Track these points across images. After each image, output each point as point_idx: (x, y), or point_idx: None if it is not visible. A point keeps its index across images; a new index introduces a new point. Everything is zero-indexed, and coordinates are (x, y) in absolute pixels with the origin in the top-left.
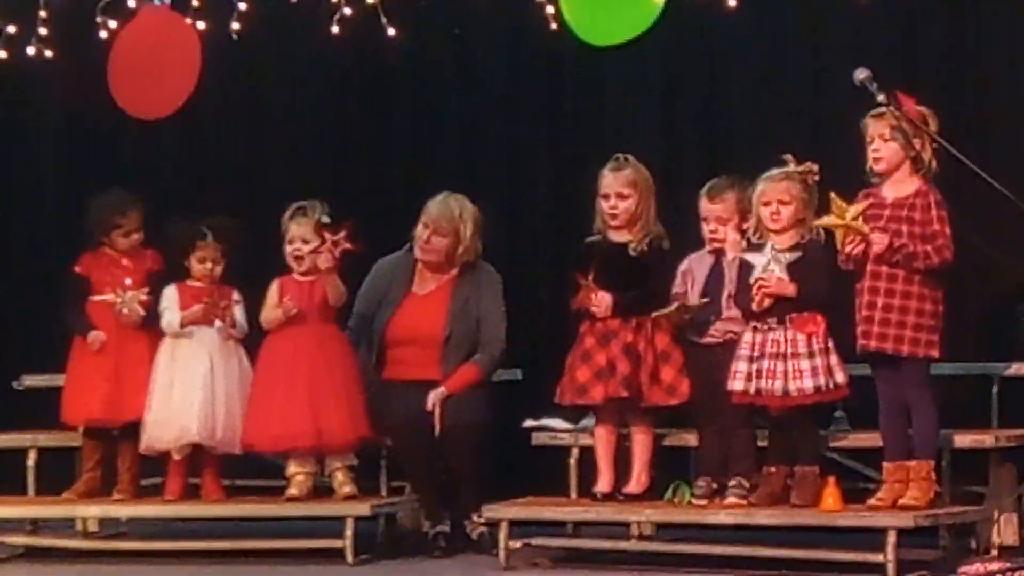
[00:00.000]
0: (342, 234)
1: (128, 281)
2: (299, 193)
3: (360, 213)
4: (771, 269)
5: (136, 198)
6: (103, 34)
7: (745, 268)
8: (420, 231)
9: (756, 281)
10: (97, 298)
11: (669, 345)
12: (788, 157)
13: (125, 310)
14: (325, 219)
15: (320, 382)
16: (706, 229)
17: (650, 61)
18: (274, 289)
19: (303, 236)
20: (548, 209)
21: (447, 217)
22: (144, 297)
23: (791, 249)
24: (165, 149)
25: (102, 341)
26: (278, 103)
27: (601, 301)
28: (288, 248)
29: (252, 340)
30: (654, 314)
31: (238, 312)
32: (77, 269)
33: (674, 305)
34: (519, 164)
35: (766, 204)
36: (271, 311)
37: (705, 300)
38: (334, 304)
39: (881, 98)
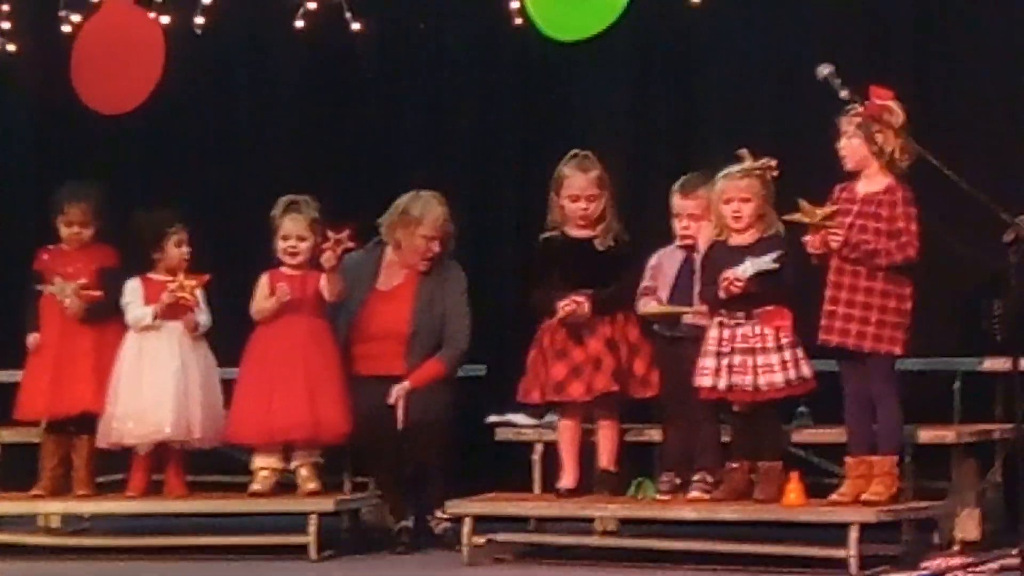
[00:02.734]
0: (346, 233)
1: (70, 270)
2: (266, 187)
3: (327, 206)
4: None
5: (90, 194)
6: (66, 28)
7: (713, 262)
8: (420, 243)
9: (724, 278)
10: (41, 287)
11: (639, 338)
12: (743, 153)
13: (67, 301)
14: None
15: (316, 375)
16: (678, 225)
17: (619, 55)
18: (264, 281)
19: (299, 233)
20: (514, 205)
21: (446, 223)
22: (82, 290)
23: (752, 244)
24: (131, 144)
25: (36, 342)
26: (243, 97)
27: (579, 310)
28: (281, 244)
29: (224, 332)
30: (645, 310)
31: (200, 305)
32: (35, 266)
33: (669, 308)
34: (486, 159)
35: (727, 202)
36: (263, 302)
37: (699, 309)
38: (334, 300)
39: (844, 94)
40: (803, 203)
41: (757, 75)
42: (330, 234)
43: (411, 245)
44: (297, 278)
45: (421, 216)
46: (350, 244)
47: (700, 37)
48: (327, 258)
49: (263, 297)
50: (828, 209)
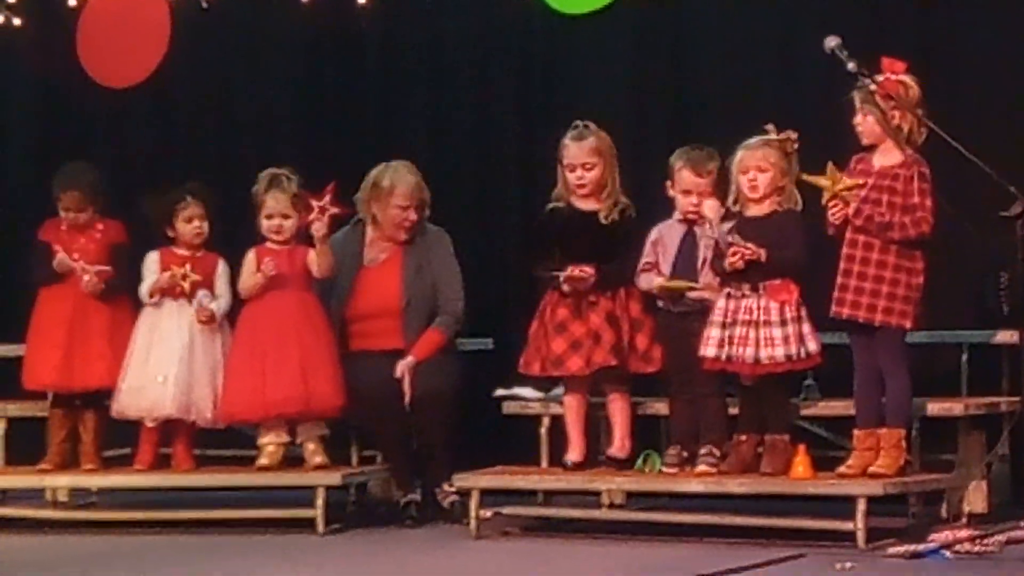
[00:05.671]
0: (327, 199)
1: (77, 253)
2: (270, 162)
3: (328, 182)
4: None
5: (83, 180)
6: (72, 1)
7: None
8: (396, 213)
9: (731, 247)
10: (57, 263)
11: (641, 313)
12: (769, 126)
13: (86, 277)
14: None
15: (308, 348)
16: (687, 201)
17: (619, 28)
18: (251, 257)
19: (283, 211)
20: (517, 177)
21: (419, 191)
22: (98, 274)
23: (767, 216)
24: (136, 118)
25: (65, 264)
26: (248, 71)
27: (584, 276)
28: (266, 223)
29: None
30: (660, 283)
31: (220, 284)
32: (41, 236)
33: (675, 282)
34: (489, 131)
35: (744, 172)
36: (250, 278)
37: (706, 284)
38: (325, 275)
39: (851, 66)
40: (832, 167)
41: (757, 46)
42: (313, 203)
43: (387, 217)
44: (284, 253)
45: (392, 186)
46: (335, 209)
47: (700, 8)
48: (317, 228)
49: (250, 273)
50: (854, 181)
